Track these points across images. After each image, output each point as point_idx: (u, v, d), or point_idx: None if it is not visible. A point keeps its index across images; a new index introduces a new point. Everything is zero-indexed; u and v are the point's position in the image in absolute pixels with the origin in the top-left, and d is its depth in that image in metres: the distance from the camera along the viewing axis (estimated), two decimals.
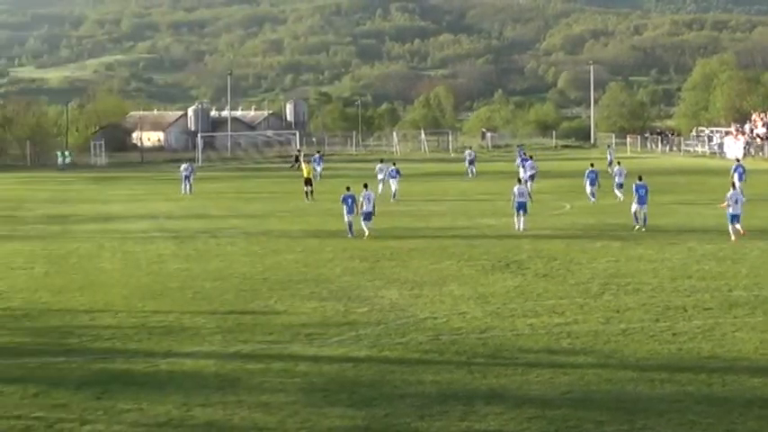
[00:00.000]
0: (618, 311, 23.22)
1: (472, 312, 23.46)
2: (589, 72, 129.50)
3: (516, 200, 38.74)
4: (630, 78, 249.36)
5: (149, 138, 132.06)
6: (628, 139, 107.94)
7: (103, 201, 57.47)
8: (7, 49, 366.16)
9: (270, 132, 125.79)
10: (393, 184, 53.00)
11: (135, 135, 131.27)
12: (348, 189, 38.16)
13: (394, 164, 56.36)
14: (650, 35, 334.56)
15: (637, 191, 37.89)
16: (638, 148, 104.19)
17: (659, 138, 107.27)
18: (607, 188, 50.72)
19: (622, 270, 28.81)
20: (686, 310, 23.19)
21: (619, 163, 53.02)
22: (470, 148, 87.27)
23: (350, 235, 37.00)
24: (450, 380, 17.82)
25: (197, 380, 18.20)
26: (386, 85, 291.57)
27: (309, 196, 53.04)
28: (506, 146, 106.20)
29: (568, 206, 47.41)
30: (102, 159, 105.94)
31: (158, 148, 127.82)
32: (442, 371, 18.43)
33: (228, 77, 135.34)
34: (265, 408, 16.44)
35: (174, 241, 37.68)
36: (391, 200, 51.13)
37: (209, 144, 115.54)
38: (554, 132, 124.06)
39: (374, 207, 37.83)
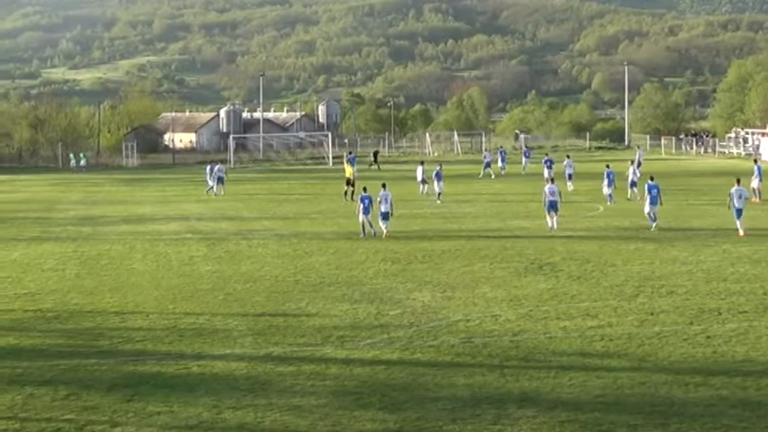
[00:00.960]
0: (652, 314, 23.09)
1: (505, 315, 23.40)
2: (623, 73, 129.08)
3: (548, 199, 39.16)
4: (665, 79, 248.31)
5: (181, 139, 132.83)
6: (662, 140, 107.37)
7: (135, 202, 57.79)
8: (40, 50, 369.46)
9: (302, 134, 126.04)
10: (437, 186, 52.83)
11: (167, 136, 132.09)
12: (365, 190, 38.48)
13: (440, 165, 56.21)
14: (685, 36, 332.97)
15: (649, 191, 38.56)
16: (673, 150, 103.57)
17: (694, 139, 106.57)
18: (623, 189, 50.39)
19: (657, 272, 28.65)
20: (720, 313, 23.02)
21: (632, 162, 52.55)
22: (487, 150, 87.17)
23: (362, 235, 37.57)
24: (483, 383, 17.78)
25: (228, 382, 18.25)
26: (419, 87, 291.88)
27: (348, 196, 53.03)
28: (539, 147, 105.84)
29: (602, 208, 47.19)
30: (134, 161, 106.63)
31: (190, 150, 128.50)
32: (475, 374, 18.39)
33: (261, 78, 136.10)
34: (296, 411, 16.46)
35: (205, 243, 37.83)
36: (437, 201, 51.29)
37: (240, 145, 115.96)
38: (588, 134, 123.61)
39: (392, 207, 38.16)
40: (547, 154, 66.75)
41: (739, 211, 36.73)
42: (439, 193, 52.45)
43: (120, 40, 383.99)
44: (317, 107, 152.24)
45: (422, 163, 60.10)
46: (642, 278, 27.77)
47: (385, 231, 37.55)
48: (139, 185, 72.18)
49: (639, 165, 63.90)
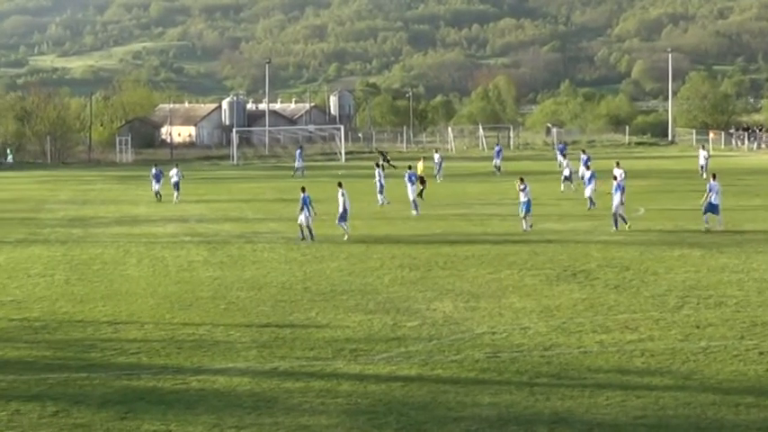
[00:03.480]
0: (698, 327, 23.04)
1: (535, 327, 23.39)
2: (667, 61, 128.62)
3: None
4: (714, 68, 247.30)
5: (180, 133, 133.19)
6: (710, 135, 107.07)
7: (129, 202, 58.01)
8: (27, 35, 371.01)
9: (312, 127, 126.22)
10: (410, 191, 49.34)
11: (164, 130, 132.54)
12: (303, 190, 39.65)
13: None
14: (736, 19, 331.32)
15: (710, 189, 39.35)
16: (722, 146, 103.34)
17: (745, 134, 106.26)
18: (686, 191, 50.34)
19: (703, 281, 28.59)
20: None
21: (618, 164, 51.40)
22: (498, 143, 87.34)
23: (300, 237, 38.79)
24: (510, 402, 17.78)
25: (230, 399, 18.31)
26: (440, 76, 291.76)
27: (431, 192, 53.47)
28: (574, 143, 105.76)
29: (642, 210, 47.10)
30: (129, 156, 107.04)
31: (189, 144, 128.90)
32: (501, 392, 18.39)
33: (267, 67, 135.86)
34: (305, 431, 16.49)
35: (205, 246, 37.94)
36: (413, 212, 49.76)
37: (245, 140, 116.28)
38: (627, 128, 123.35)
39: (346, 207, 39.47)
40: (584, 150, 66.62)
41: (713, 207, 38.13)
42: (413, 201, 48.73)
43: (113, 24, 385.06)
44: (329, 98, 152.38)
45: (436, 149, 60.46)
46: (687, 288, 27.70)
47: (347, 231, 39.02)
48: (134, 183, 72.38)
49: (704, 168, 63.47)
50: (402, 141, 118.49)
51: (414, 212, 47.04)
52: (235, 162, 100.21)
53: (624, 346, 21.53)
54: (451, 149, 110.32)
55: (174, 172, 57.89)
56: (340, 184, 40.33)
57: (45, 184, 75.97)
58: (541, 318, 24.38)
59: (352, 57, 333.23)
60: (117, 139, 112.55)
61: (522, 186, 40.50)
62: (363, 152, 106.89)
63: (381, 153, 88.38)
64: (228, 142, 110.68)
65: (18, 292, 29.29)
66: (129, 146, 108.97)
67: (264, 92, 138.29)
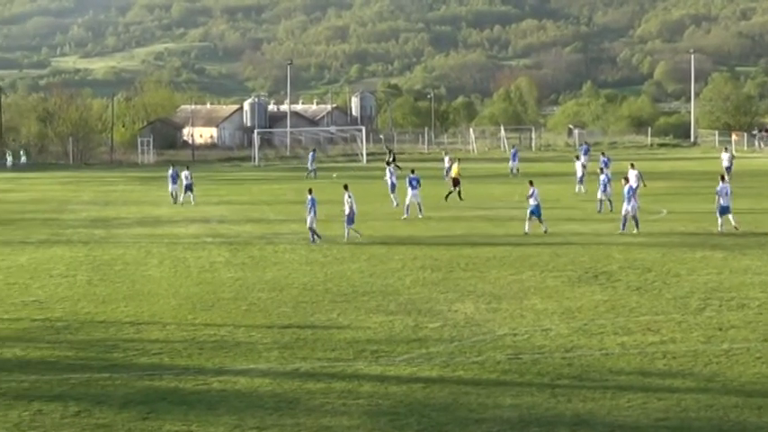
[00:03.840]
0: (720, 329, 22.96)
1: (556, 329, 23.36)
2: (689, 62, 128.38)
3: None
4: (736, 69, 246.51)
5: (201, 134, 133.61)
6: (732, 136, 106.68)
7: (151, 203, 58.17)
8: (49, 37, 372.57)
9: (333, 128, 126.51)
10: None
11: (186, 131, 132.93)
12: (310, 192, 39.93)
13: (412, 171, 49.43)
14: (759, 20, 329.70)
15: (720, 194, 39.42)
16: (745, 147, 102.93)
17: None
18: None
19: (726, 283, 28.48)
20: None
21: (632, 165, 50.89)
22: (514, 146, 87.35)
23: (311, 240, 38.81)
24: (532, 403, 17.76)
25: (251, 400, 18.34)
26: (462, 77, 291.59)
27: (453, 196, 53.23)
28: (596, 144, 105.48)
29: (665, 211, 46.98)
30: (150, 157, 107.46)
31: (211, 146, 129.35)
32: (523, 393, 18.38)
33: (288, 68, 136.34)
34: None
35: (227, 247, 38.02)
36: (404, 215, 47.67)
37: (266, 141, 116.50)
38: (649, 129, 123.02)
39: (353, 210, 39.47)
40: (603, 153, 66.55)
41: (724, 209, 38.56)
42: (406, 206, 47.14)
43: (135, 25, 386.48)
44: (350, 99, 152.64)
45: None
46: (709, 290, 27.61)
47: (347, 235, 39.00)
48: (156, 184, 72.59)
49: (729, 170, 63.19)
50: (423, 143, 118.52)
51: (405, 216, 45.98)
52: (256, 163, 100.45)
53: (646, 347, 21.48)
54: (473, 151, 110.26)
55: (185, 174, 56.08)
56: (346, 187, 40.16)
57: (67, 184, 76.32)
58: (563, 319, 24.34)
59: (373, 58, 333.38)
60: (139, 140, 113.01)
61: (530, 192, 40.15)
62: (384, 153, 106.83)
63: (390, 151, 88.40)
64: (250, 143, 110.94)
65: (40, 292, 29.42)
66: (151, 147, 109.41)
67: (286, 93, 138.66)
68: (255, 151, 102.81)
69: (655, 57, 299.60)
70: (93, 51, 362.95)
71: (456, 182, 54.31)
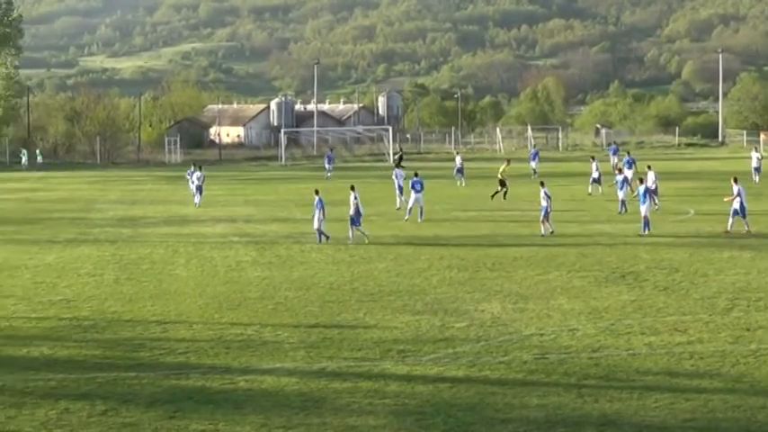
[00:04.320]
0: (748, 330, 22.85)
1: (583, 329, 23.30)
2: (717, 61, 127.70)
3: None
4: (765, 68, 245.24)
5: (228, 133, 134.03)
6: (761, 136, 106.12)
7: (178, 202, 58.32)
8: (77, 36, 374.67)
9: (360, 128, 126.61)
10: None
11: (213, 130, 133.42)
12: (317, 193, 39.65)
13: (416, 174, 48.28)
14: None
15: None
16: None
17: None
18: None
19: (754, 284, 28.35)
20: None
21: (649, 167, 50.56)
22: (536, 146, 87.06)
23: (319, 241, 38.95)
24: (558, 404, 17.72)
25: (278, 399, 18.38)
26: (489, 76, 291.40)
27: (498, 197, 53.57)
28: (623, 144, 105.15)
29: (692, 211, 46.79)
30: (177, 156, 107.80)
31: (238, 145, 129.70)
32: (549, 394, 18.34)
33: (315, 67, 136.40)
34: (352, 431, 16.52)
35: (254, 247, 38.10)
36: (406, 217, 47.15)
37: (293, 140, 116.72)
38: (677, 129, 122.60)
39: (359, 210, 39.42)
40: (628, 152, 66.29)
41: (737, 211, 38.56)
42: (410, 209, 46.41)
43: (162, 25, 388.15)
44: (377, 99, 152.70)
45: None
46: (737, 290, 27.49)
47: (351, 236, 38.98)
48: (183, 184, 72.78)
49: (758, 170, 62.81)
50: (450, 142, 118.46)
51: (407, 217, 45.48)
52: (283, 162, 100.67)
53: (673, 348, 21.39)
54: (500, 150, 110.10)
55: (196, 175, 55.63)
56: (353, 188, 40.03)
57: (95, 184, 76.65)
58: (590, 319, 24.28)
59: (400, 57, 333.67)
60: (166, 140, 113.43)
61: (542, 192, 39.97)
62: (412, 153, 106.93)
63: (400, 150, 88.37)
64: (276, 143, 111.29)
65: (68, 291, 29.56)
66: (178, 146, 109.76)
67: (313, 92, 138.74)
68: (282, 151, 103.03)
69: (682, 56, 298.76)
70: (120, 51, 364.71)
71: (503, 183, 54.37)
